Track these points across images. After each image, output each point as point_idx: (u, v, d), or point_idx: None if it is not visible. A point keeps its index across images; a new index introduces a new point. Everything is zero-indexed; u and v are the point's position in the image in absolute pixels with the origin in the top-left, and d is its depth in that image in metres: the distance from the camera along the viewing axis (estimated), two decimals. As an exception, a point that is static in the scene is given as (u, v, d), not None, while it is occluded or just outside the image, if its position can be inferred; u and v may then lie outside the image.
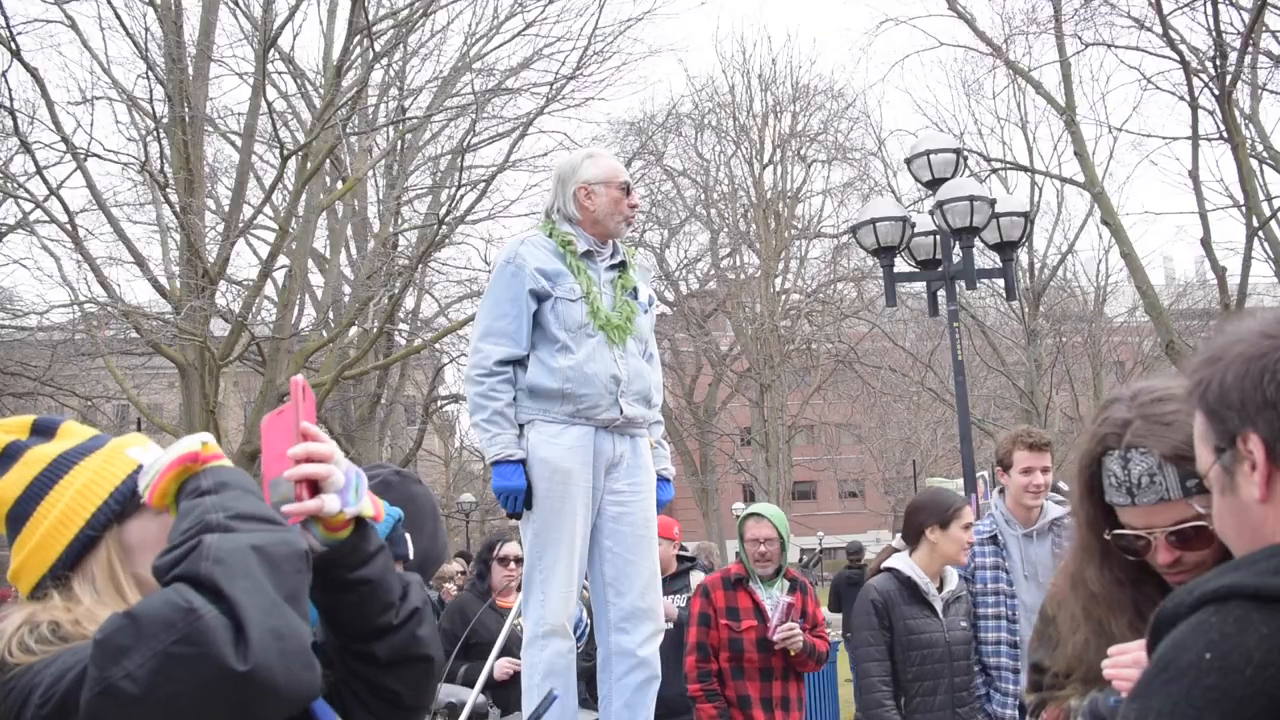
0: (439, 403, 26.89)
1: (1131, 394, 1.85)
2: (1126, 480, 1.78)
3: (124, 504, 1.62)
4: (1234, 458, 1.27)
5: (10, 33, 14.44)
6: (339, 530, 1.63)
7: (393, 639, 1.66)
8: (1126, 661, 1.75)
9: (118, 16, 16.30)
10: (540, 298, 3.99)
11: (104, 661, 1.28)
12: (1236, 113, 15.33)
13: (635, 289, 4.20)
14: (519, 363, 4.01)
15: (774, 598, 5.20)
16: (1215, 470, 1.30)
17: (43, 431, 1.68)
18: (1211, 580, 1.20)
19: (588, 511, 3.97)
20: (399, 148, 20.11)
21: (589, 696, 4.77)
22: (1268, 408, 1.23)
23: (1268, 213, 15.98)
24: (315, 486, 1.60)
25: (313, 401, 1.68)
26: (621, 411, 4.01)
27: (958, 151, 11.63)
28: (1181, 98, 16.07)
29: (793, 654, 5.17)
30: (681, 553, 6.76)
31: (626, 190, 4.16)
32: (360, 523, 1.64)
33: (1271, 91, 18.18)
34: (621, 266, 4.20)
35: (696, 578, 6.91)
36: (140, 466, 1.63)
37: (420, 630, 1.68)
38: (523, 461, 3.94)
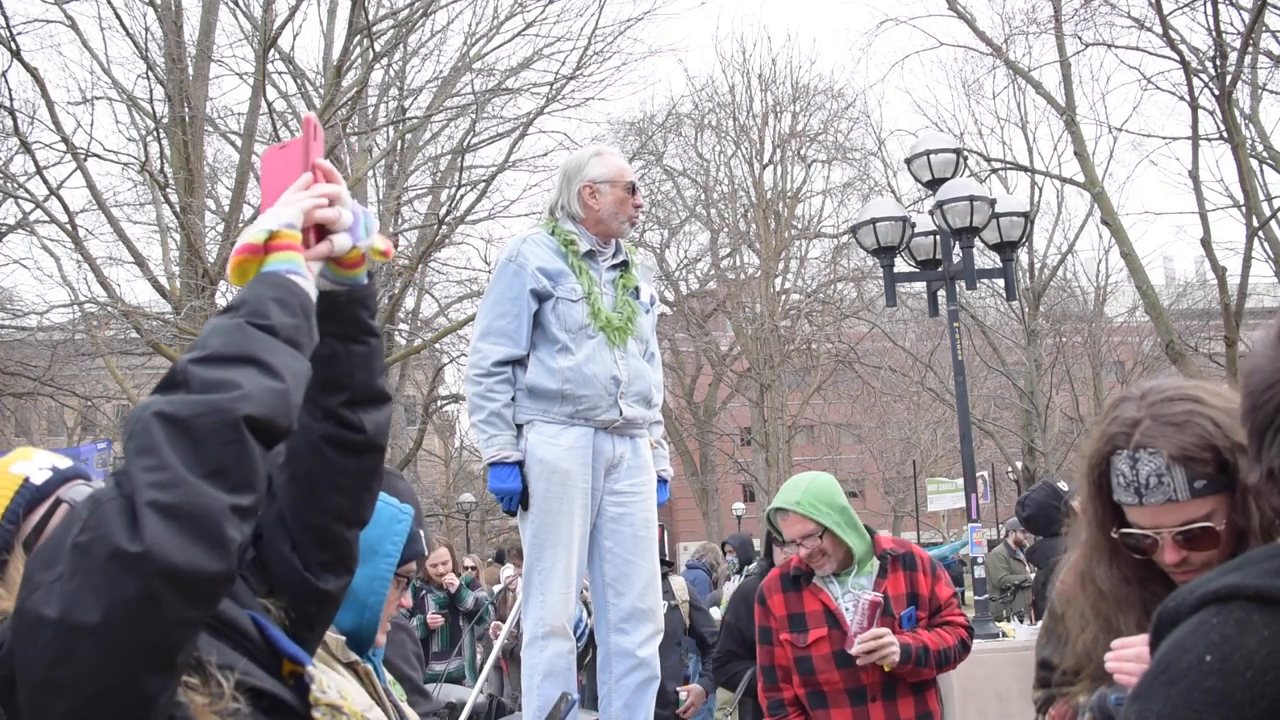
0: (439, 403, 26.87)
1: (1141, 393, 1.86)
2: (1134, 480, 1.79)
3: (18, 521, 1.59)
4: None
5: (10, 33, 14.46)
6: (354, 268, 1.63)
7: (379, 415, 1.70)
8: (1129, 655, 1.75)
9: (118, 16, 16.33)
10: (541, 297, 3.98)
11: (34, 569, 1.25)
12: (1236, 113, 15.33)
13: (637, 289, 4.18)
14: (519, 362, 4.01)
15: (854, 594, 3.82)
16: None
17: None
18: (1213, 580, 1.19)
19: (586, 512, 3.96)
20: (399, 148, 20.10)
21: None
22: None
23: (1268, 213, 15.99)
24: (321, 228, 1.57)
25: (322, 140, 1.63)
26: (621, 413, 4.00)
27: (958, 151, 11.62)
28: (1181, 98, 16.07)
29: (887, 669, 3.77)
30: (664, 559, 6.52)
31: (632, 190, 4.14)
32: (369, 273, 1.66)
33: (1271, 91, 18.20)
34: (624, 266, 4.19)
35: (676, 582, 6.84)
36: (26, 479, 1.62)
37: (390, 418, 1.75)
38: (519, 463, 3.94)
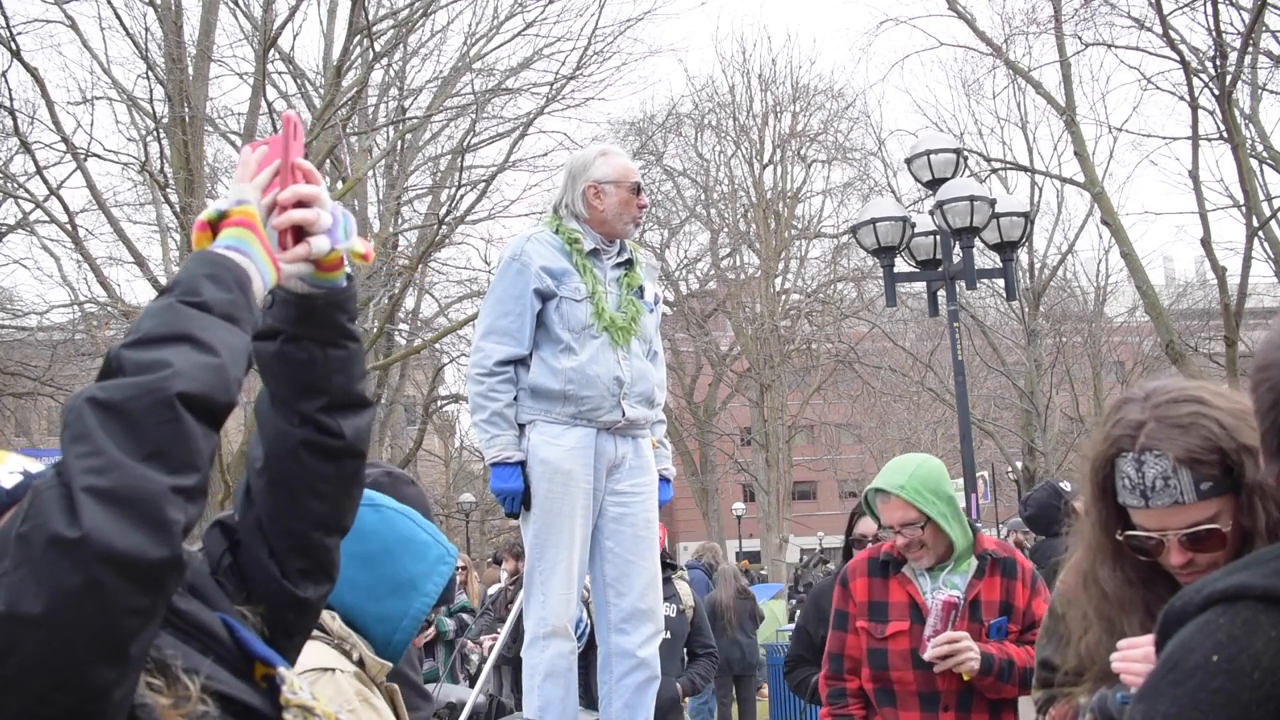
0: (439, 403, 26.87)
1: (1145, 394, 1.85)
2: (1140, 483, 1.78)
3: None
4: None
5: (10, 33, 14.46)
6: (333, 271, 1.60)
7: (359, 420, 1.67)
8: (1136, 656, 1.75)
9: (118, 16, 16.32)
10: (545, 297, 3.97)
11: None
12: (1236, 113, 15.33)
13: (641, 288, 4.16)
14: (520, 362, 4.01)
15: (944, 591, 3.45)
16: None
17: None
18: (1220, 579, 1.19)
19: (588, 513, 3.96)
20: (399, 148, 20.09)
21: None
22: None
23: (1268, 213, 15.99)
24: (299, 230, 1.54)
25: (302, 140, 1.60)
26: (624, 414, 3.99)
27: (958, 151, 11.64)
28: (1181, 98, 16.07)
29: (966, 677, 3.40)
30: (666, 559, 6.34)
31: (636, 190, 4.12)
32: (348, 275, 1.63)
33: (1271, 91, 18.20)
34: (628, 264, 4.17)
35: (682, 587, 6.72)
36: None
37: (370, 423, 1.73)
38: (521, 463, 3.94)
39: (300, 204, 1.55)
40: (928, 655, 3.37)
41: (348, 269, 1.64)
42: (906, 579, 3.53)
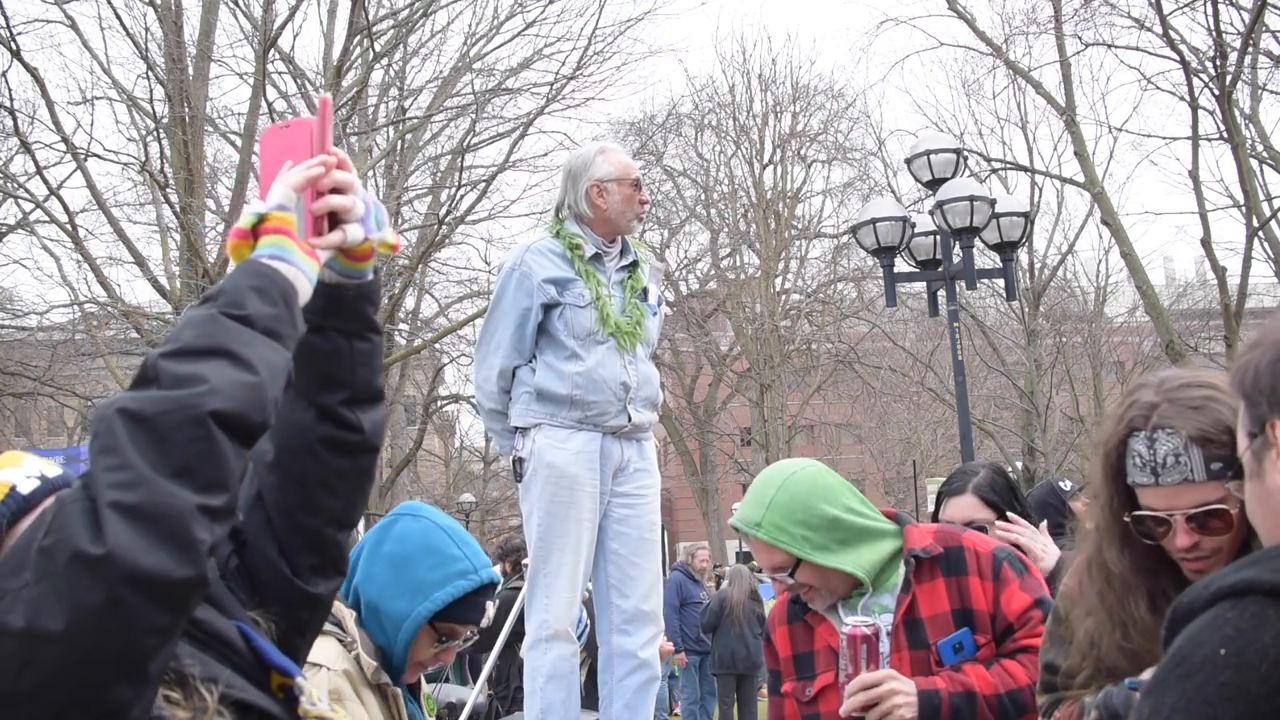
0: (439, 403, 26.87)
1: (1159, 380, 1.87)
2: (1151, 460, 1.79)
3: (1, 533, 1.52)
4: (1264, 444, 1.27)
5: (10, 33, 14.48)
6: (363, 261, 1.59)
7: (376, 414, 1.66)
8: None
9: (118, 16, 16.34)
10: (548, 307, 3.99)
11: (2, 578, 1.19)
12: (1236, 113, 15.34)
13: (645, 290, 4.16)
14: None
15: (849, 622, 2.57)
16: (1247, 455, 1.31)
17: None
18: (1229, 575, 1.20)
19: (594, 516, 3.96)
20: (399, 148, 20.09)
21: None
22: None
23: (1268, 213, 16.00)
24: (333, 217, 1.52)
25: (332, 125, 1.57)
26: (629, 418, 4.00)
27: (958, 151, 11.64)
28: (1181, 98, 16.08)
29: None
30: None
31: (638, 186, 4.12)
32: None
33: (1271, 91, 18.21)
34: (632, 266, 4.16)
35: None
36: (13, 487, 1.55)
37: (385, 417, 1.72)
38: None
39: (335, 190, 1.53)
40: (842, 710, 2.52)
41: (375, 261, 1.63)
42: (820, 616, 2.70)
